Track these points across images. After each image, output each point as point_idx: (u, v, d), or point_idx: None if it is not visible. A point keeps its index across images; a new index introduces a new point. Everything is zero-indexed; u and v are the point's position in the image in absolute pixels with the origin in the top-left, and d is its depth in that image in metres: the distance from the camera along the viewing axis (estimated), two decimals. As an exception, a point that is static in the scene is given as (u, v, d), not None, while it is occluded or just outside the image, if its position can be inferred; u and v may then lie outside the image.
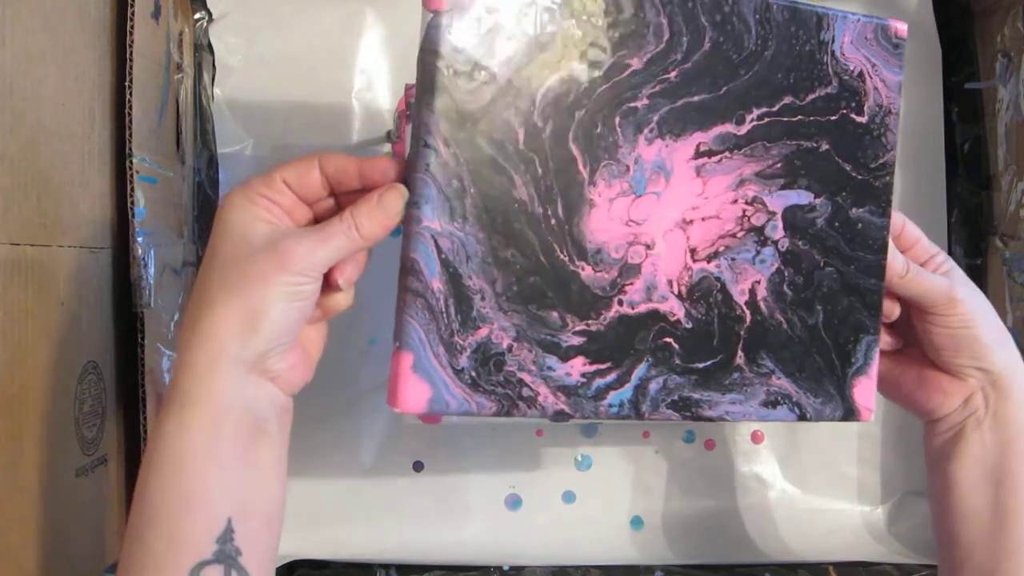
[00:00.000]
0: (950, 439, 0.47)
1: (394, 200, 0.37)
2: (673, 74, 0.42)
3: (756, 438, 0.67)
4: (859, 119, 0.45)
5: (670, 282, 0.42)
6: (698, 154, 0.42)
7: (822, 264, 0.45)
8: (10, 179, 0.42)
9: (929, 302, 0.45)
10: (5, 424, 0.42)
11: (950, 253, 0.66)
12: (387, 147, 0.64)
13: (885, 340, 0.48)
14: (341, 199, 0.39)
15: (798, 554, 0.65)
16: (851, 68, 0.44)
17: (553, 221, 0.40)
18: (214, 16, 0.64)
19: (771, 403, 0.45)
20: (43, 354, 0.45)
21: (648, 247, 0.42)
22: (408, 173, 0.38)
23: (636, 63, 0.41)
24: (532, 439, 0.66)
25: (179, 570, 0.34)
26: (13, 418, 0.42)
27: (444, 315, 0.38)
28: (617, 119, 0.41)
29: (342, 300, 0.40)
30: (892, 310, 0.47)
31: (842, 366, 0.45)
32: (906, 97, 0.65)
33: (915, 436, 0.66)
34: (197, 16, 0.64)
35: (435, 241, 0.38)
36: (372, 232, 0.37)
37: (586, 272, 0.41)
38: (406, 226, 0.38)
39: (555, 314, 0.40)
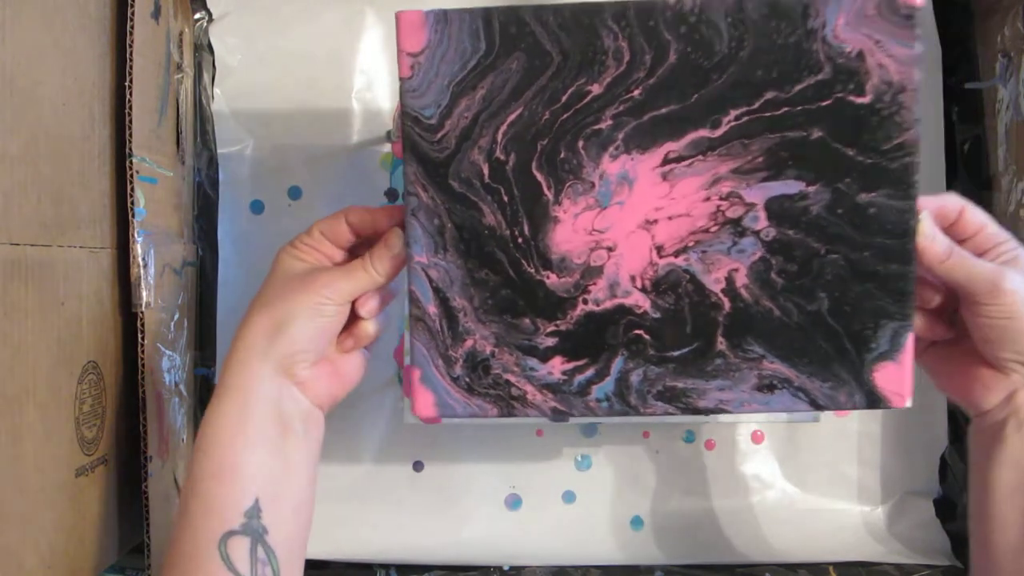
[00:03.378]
0: (991, 438, 0.44)
1: (395, 239, 0.44)
2: (637, 92, 0.43)
3: (756, 438, 0.67)
4: (860, 100, 0.42)
5: (633, 278, 0.44)
6: (666, 161, 0.43)
7: (823, 252, 0.43)
8: (10, 179, 0.42)
9: (972, 290, 0.43)
10: (5, 424, 0.42)
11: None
12: (387, 147, 0.64)
13: (936, 330, 0.46)
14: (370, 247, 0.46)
15: (798, 554, 0.65)
16: (847, 50, 0.42)
17: (520, 240, 0.44)
18: (214, 16, 0.64)
19: (766, 387, 0.44)
20: (43, 354, 0.45)
21: (610, 249, 0.44)
22: (404, 217, 0.44)
23: (597, 88, 0.43)
24: (532, 439, 0.66)
25: (211, 536, 0.39)
26: (13, 418, 0.42)
27: (440, 333, 0.45)
28: (580, 143, 0.43)
29: (369, 329, 0.46)
30: (931, 298, 0.45)
31: (858, 351, 0.44)
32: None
33: (915, 436, 0.66)
34: (197, 16, 0.64)
35: (426, 273, 0.44)
36: (383, 267, 0.44)
37: (551, 279, 0.44)
38: (407, 264, 0.44)
39: (527, 320, 0.44)
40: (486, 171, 0.43)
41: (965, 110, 0.66)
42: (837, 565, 0.64)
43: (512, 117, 0.43)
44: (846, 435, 0.66)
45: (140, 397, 0.52)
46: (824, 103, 0.42)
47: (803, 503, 0.66)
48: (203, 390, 0.63)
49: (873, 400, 0.44)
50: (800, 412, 0.46)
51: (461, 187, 0.44)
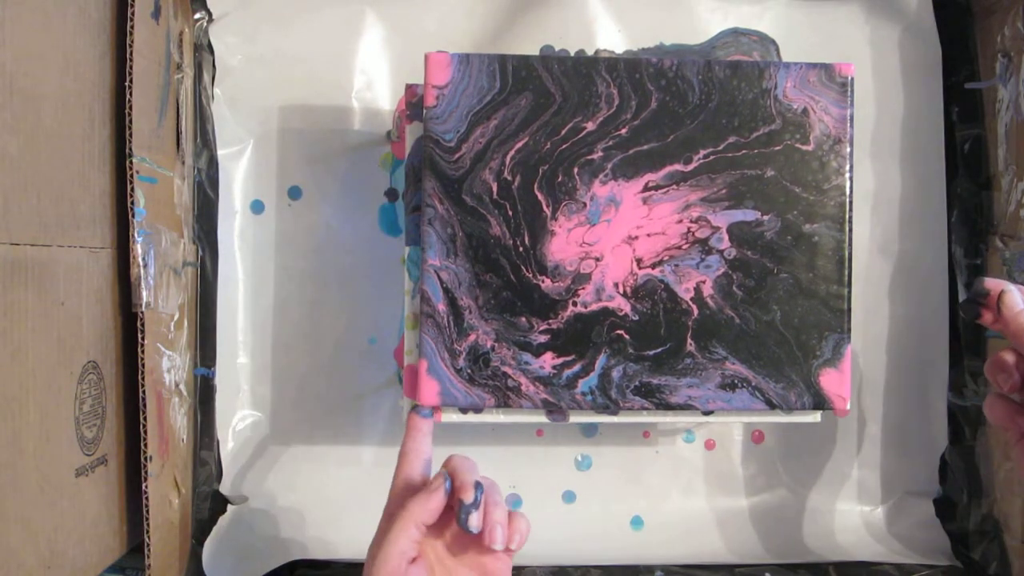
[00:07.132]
0: None
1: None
2: (624, 131, 0.50)
3: (756, 438, 0.67)
4: (805, 147, 0.51)
5: (616, 284, 0.51)
6: (646, 188, 0.51)
7: (775, 271, 0.51)
8: (10, 179, 0.43)
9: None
10: (5, 424, 0.42)
11: (950, 253, 0.66)
12: (387, 150, 0.64)
13: (1019, 421, 0.45)
14: None
15: (798, 554, 0.65)
16: (795, 107, 0.51)
17: (521, 248, 0.50)
18: (214, 16, 0.64)
19: (729, 386, 0.51)
20: (43, 354, 0.45)
21: (597, 259, 0.51)
22: (421, 226, 0.51)
23: (591, 126, 0.50)
24: (532, 439, 0.66)
25: None
26: (13, 418, 0.42)
27: (447, 329, 0.50)
28: (576, 169, 0.50)
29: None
30: (1004, 383, 0.45)
31: (805, 357, 0.51)
32: (906, 97, 0.66)
33: (915, 436, 0.66)
34: (197, 16, 0.64)
35: (438, 275, 0.50)
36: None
37: (545, 284, 0.51)
38: (420, 267, 0.51)
39: (523, 319, 0.51)
40: (495, 189, 0.50)
41: (965, 110, 0.66)
42: (837, 565, 0.64)
43: (519, 145, 0.50)
44: (846, 435, 0.66)
45: (140, 397, 0.52)
46: (776, 148, 0.51)
47: (803, 503, 0.66)
48: (203, 390, 0.63)
49: (819, 401, 0.51)
50: (757, 411, 0.52)
51: (472, 201, 0.50)
